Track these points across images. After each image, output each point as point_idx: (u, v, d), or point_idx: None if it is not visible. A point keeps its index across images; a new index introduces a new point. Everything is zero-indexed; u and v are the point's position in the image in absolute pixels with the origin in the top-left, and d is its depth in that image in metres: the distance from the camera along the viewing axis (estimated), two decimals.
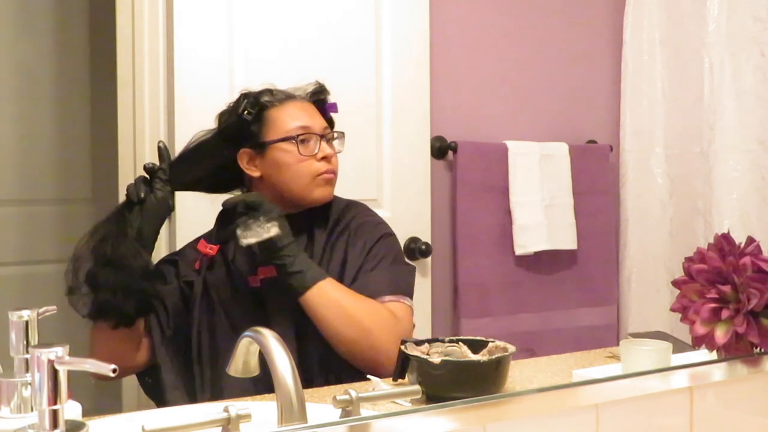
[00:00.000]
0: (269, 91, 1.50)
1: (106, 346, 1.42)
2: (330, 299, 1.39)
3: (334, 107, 1.57)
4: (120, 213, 1.43)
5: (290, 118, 1.49)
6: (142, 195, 1.41)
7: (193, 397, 1.45)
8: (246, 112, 1.46)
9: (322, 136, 1.50)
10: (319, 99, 1.55)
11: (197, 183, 1.52)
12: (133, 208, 1.42)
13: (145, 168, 1.45)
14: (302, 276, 1.39)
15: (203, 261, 1.50)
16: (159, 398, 1.48)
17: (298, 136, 1.47)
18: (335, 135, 1.54)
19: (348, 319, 1.39)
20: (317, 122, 1.51)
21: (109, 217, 1.44)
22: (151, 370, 1.48)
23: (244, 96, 1.49)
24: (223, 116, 1.51)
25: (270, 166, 1.49)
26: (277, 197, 1.49)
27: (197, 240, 1.54)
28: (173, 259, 1.54)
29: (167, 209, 1.45)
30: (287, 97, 1.51)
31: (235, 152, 1.49)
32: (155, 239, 1.45)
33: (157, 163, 1.45)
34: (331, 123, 1.56)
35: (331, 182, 1.51)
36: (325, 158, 1.49)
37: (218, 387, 1.42)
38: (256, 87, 1.53)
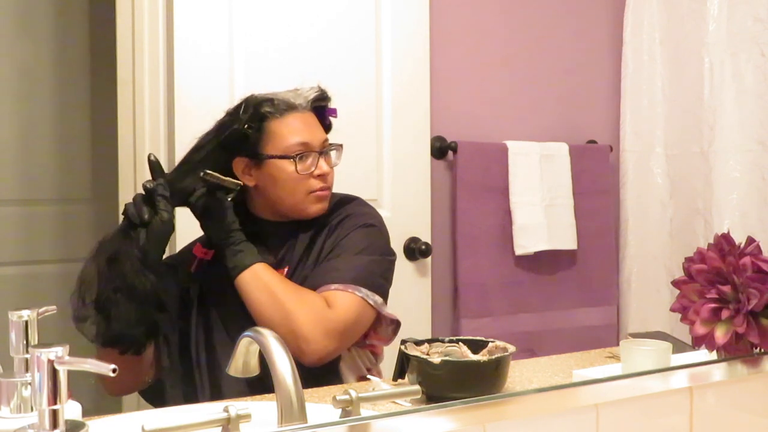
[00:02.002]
0: (271, 101, 1.46)
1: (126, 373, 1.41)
2: (260, 281, 1.38)
3: (334, 112, 1.54)
4: (124, 233, 1.37)
5: (290, 134, 1.46)
6: (146, 217, 1.35)
7: (191, 401, 1.44)
8: (247, 126, 1.44)
9: (320, 153, 1.47)
10: (319, 106, 1.52)
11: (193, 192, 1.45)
12: (135, 229, 1.36)
13: (145, 188, 1.38)
14: (242, 255, 1.39)
15: (199, 265, 1.50)
16: (158, 402, 1.48)
17: (296, 155, 1.45)
18: (333, 147, 1.51)
19: (273, 302, 1.37)
20: (317, 136, 1.48)
21: (112, 238, 1.38)
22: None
23: (245, 106, 1.46)
24: (223, 124, 1.47)
25: (265, 179, 1.47)
26: (270, 207, 1.50)
27: (194, 243, 1.53)
28: (172, 264, 1.52)
29: (172, 228, 1.40)
30: (288, 107, 1.47)
31: (230, 159, 1.47)
32: (161, 260, 1.41)
33: (151, 178, 1.39)
34: (329, 128, 1.53)
35: (325, 198, 1.49)
36: (321, 176, 1.47)
37: (216, 390, 1.42)
38: (256, 88, 1.51)
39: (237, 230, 1.41)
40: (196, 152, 1.47)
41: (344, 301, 1.40)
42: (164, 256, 1.54)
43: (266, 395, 1.22)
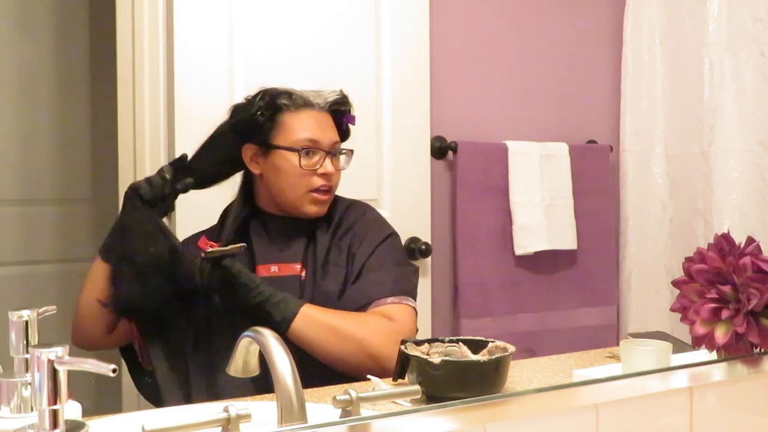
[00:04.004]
0: (288, 95, 1.49)
1: (86, 319, 1.45)
2: (318, 321, 1.39)
3: (352, 119, 1.56)
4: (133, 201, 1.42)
5: (301, 128, 1.48)
6: (156, 200, 1.41)
7: (189, 396, 1.44)
8: (259, 113, 1.46)
9: (328, 153, 1.50)
10: (338, 110, 1.54)
11: (210, 175, 1.52)
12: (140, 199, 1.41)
13: (172, 176, 1.44)
14: (286, 304, 1.39)
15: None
16: (156, 398, 1.48)
17: (302, 149, 1.47)
18: (343, 151, 1.53)
19: (340, 336, 1.38)
20: (328, 136, 1.50)
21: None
22: (149, 370, 1.48)
23: (263, 94, 1.49)
24: (238, 109, 1.51)
25: (270, 168, 1.50)
26: (272, 199, 1.52)
27: (198, 236, 1.54)
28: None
29: (165, 214, 1.46)
30: (305, 104, 1.50)
31: (241, 144, 1.50)
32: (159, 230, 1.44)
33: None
34: (345, 134, 1.56)
35: (325, 201, 1.51)
36: (324, 174, 1.49)
37: (215, 383, 1.42)
38: (256, 88, 1.52)
39: (261, 284, 1.40)
40: (215, 136, 1.50)
41: (403, 313, 1.45)
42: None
43: (266, 395, 1.22)
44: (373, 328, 1.41)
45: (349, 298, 1.46)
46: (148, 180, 1.44)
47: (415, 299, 1.50)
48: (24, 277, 2.26)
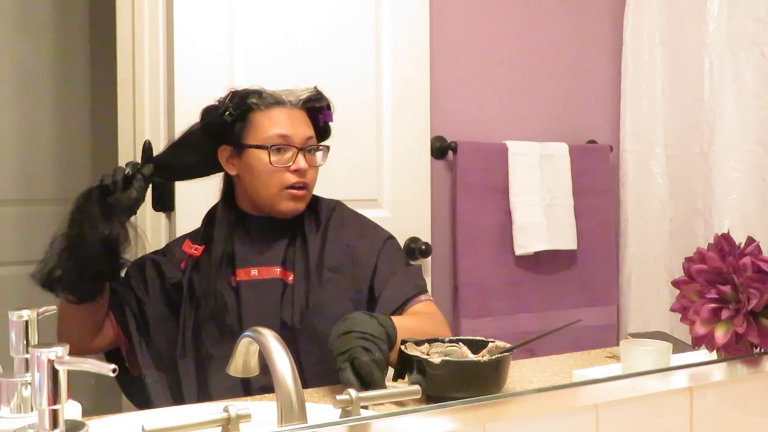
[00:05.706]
0: (258, 93, 1.48)
1: (67, 324, 1.43)
2: (411, 332, 1.33)
3: (329, 116, 1.53)
4: (90, 193, 1.41)
5: (271, 126, 1.46)
6: (118, 189, 1.39)
7: (179, 400, 1.44)
8: (227, 113, 1.45)
9: (300, 149, 1.47)
10: (312, 107, 1.52)
11: (180, 172, 1.54)
12: (104, 193, 1.40)
13: (131, 165, 1.43)
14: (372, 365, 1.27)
15: (189, 261, 1.49)
16: (145, 404, 1.47)
17: (272, 145, 1.45)
18: (318, 147, 1.51)
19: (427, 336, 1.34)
20: (300, 132, 1.48)
21: (80, 195, 1.43)
22: (135, 376, 1.48)
23: (232, 95, 1.48)
24: (208, 111, 1.50)
25: (244, 168, 1.48)
26: (250, 200, 1.50)
27: (182, 239, 1.53)
28: (156, 261, 1.51)
29: (137, 205, 1.43)
30: (276, 102, 1.48)
31: (216, 146, 1.49)
32: (119, 226, 1.41)
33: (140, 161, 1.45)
34: (323, 131, 1.53)
35: (301, 197, 1.49)
36: (297, 171, 1.47)
37: (204, 385, 1.42)
38: (255, 87, 1.52)
39: (341, 354, 1.25)
40: (184, 139, 1.50)
41: (434, 307, 1.52)
42: (152, 252, 1.54)
43: (266, 395, 1.22)
44: (439, 322, 1.47)
45: (385, 301, 1.47)
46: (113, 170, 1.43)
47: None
48: (24, 277, 2.25)
